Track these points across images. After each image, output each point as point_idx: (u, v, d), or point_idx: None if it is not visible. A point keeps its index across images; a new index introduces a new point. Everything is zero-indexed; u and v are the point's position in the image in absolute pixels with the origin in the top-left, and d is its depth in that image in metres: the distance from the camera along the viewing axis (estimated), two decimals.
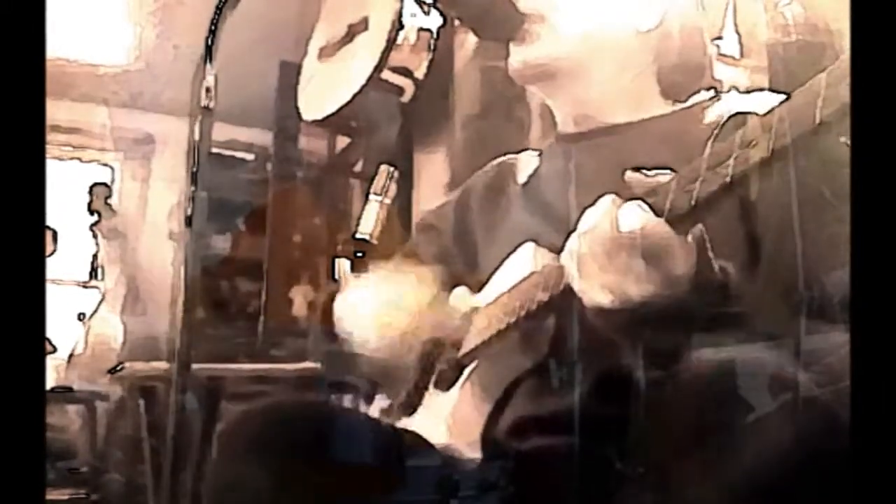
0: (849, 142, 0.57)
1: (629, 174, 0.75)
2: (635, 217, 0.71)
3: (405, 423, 1.05)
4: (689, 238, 0.72)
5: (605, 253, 0.72)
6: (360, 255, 1.06)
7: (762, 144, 0.64)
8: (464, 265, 1.13)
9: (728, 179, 0.67)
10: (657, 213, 0.71)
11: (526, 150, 1.18)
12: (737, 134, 0.67)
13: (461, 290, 1.11)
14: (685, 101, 1.02)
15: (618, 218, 0.72)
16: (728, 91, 1.02)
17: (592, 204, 0.76)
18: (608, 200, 0.74)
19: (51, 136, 4.07)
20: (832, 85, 0.60)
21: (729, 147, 0.67)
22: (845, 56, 0.59)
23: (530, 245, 0.97)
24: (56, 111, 3.69)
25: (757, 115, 0.66)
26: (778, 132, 0.63)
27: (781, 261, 0.81)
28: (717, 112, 0.96)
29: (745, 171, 0.66)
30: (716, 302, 0.73)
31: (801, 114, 0.62)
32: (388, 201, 1.06)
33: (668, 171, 0.73)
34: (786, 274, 0.79)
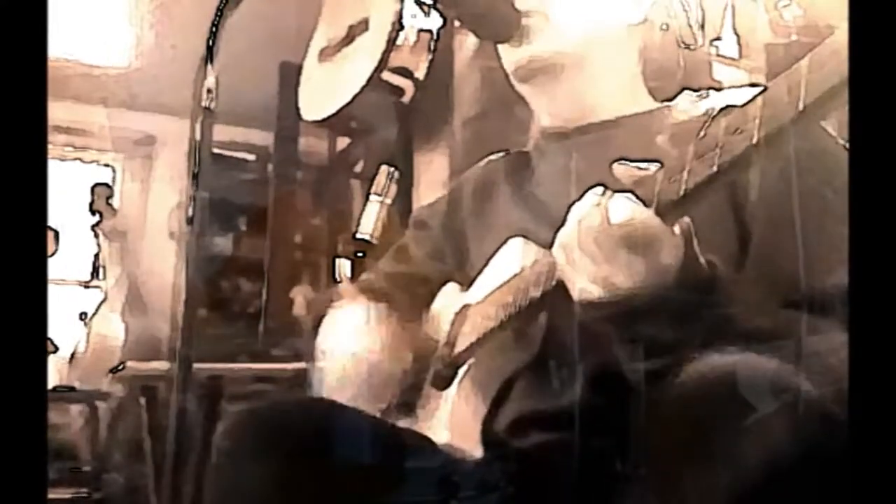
0: (847, 143, 0.57)
1: (616, 166, 0.75)
2: (624, 208, 0.71)
3: (405, 422, 1.05)
4: (677, 230, 0.72)
5: (595, 244, 0.72)
6: (360, 255, 1.06)
7: (747, 133, 0.64)
8: (455, 261, 1.13)
9: (715, 169, 0.67)
10: (646, 205, 0.71)
11: (516, 146, 1.18)
12: (721, 123, 0.67)
13: (452, 287, 1.11)
14: (674, 97, 1.02)
15: (607, 209, 0.72)
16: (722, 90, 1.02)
17: (580, 198, 0.76)
18: (597, 192, 0.75)
19: (52, 137, 4.07)
20: (814, 70, 0.60)
21: (715, 137, 0.67)
22: (828, 41, 0.59)
23: (518, 240, 0.97)
24: (57, 112, 3.69)
25: (741, 104, 0.66)
26: (762, 119, 0.63)
27: (772, 252, 0.81)
28: (706, 106, 0.96)
29: (731, 160, 0.65)
30: (703, 295, 0.73)
31: (783, 100, 0.61)
32: (388, 202, 1.06)
33: (656, 163, 0.73)
34: (776, 265, 0.79)
